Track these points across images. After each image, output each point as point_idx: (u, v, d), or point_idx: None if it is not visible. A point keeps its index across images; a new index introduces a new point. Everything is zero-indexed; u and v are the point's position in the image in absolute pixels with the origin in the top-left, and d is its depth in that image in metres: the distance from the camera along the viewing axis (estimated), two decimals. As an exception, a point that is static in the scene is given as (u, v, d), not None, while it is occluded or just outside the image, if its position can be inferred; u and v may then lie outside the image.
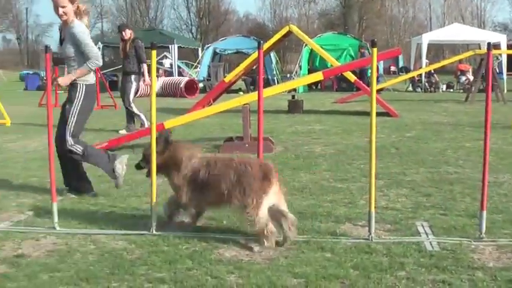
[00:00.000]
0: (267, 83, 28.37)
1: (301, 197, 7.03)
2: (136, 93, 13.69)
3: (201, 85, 28.25)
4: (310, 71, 28.15)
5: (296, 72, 31.70)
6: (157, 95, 5.44)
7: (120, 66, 15.06)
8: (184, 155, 5.59)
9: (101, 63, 7.25)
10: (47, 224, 5.93)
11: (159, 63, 33.96)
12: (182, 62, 35.79)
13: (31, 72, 40.30)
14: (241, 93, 26.13)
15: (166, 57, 34.29)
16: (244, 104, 10.42)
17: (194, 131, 12.78)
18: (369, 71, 28.56)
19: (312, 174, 8.39)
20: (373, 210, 5.35)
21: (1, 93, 16.99)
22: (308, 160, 9.42)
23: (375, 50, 5.42)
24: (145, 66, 13.68)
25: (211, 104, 14.13)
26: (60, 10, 6.94)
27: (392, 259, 4.84)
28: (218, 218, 6.03)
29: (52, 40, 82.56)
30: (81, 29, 7.04)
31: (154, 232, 5.54)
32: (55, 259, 4.98)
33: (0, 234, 5.72)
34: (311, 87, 30.02)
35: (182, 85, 25.78)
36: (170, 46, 32.04)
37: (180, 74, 32.40)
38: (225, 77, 21.10)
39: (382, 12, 70.48)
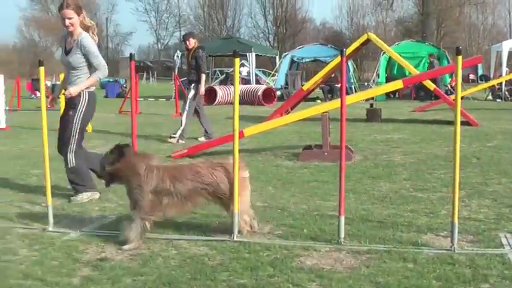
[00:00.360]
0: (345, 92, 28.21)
1: (381, 206, 6.96)
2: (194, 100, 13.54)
3: (278, 93, 28.30)
4: (387, 79, 27.90)
5: (373, 80, 31.48)
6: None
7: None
8: (142, 167, 5.67)
9: (107, 74, 7.57)
10: (129, 229, 6.03)
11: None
12: (259, 70, 35.96)
13: (111, 80, 41.03)
14: (318, 101, 26.06)
15: (243, 65, 34.48)
16: (324, 112, 10.39)
17: (273, 138, 12.82)
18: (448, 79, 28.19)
19: (392, 183, 8.31)
20: (456, 220, 5.26)
21: (83, 100, 17.30)
22: (387, 169, 9.34)
23: (460, 58, 5.34)
24: (203, 76, 13.45)
25: (289, 112, 14.16)
26: (67, 21, 7.25)
27: (476, 271, 4.74)
28: (298, 226, 6.04)
29: (131, 48, 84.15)
30: (90, 39, 7.38)
31: (235, 239, 5.57)
32: (138, 263, 5.06)
33: (84, 237, 5.85)
34: (389, 95, 29.73)
35: (260, 93, 25.88)
36: (248, 54, 32.20)
37: (257, 82, 32.55)
38: (302, 85, 21.09)
39: (461, 20, 69.34)
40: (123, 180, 5.78)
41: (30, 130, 16.07)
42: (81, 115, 7.47)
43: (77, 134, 7.48)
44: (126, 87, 34.18)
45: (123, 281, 4.67)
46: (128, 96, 22.68)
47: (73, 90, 7.37)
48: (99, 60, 7.38)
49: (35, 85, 36.03)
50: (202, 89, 13.39)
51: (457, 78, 5.34)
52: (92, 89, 7.59)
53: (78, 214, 6.80)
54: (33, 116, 20.88)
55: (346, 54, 14.83)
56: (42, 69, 6.21)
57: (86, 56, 7.34)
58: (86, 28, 7.51)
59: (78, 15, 7.32)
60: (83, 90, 7.40)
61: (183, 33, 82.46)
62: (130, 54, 5.91)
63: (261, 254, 5.19)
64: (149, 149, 11.54)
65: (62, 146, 7.49)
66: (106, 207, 7.11)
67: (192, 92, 13.38)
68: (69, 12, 7.23)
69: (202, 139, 13.20)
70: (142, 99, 28.67)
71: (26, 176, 9.00)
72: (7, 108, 18.48)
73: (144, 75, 56.89)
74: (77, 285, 4.63)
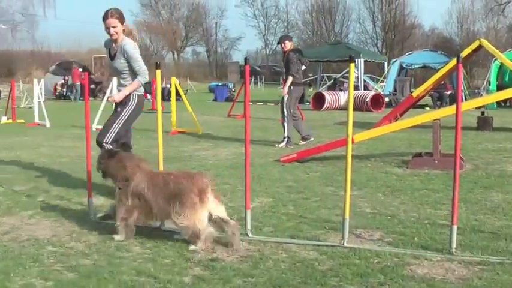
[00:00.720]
0: (454, 99, 27.75)
1: (493, 217, 6.78)
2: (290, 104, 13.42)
3: (387, 99, 28.03)
4: (499, 87, 27.20)
5: (484, 88, 30.75)
6: (343, 109, 5.51)
7: (305, 79, 15.14)
8: (127, 169, 5.92)
9: (147, 78, 7.82)
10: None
11: (346, 77, 34.04)
12: (367, 76, 35.72)
13: (220, 84, 41.59)
14: (427, 108, 25.67)
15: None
16: (435, 120, 10.23)
17: (381, 145, 12.70)
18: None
19: (505, 193, 8.08)
20: None
21: (192, 103, 17.61)
22: (500, 179, 9.09)
23: None
24: (289, 78, 13.33)
25: (398, 119, 14.00)
26: (112, 30, 7.59)
27: None
28: (409, 234, 5.97)
29: (240, 53, 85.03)
30: (133, 45, 7.67)
31: (345, 244, 5.55)
32: (248, 265, 5.11)
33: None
34: (500, 103, 28.97)
35: (368, 99, 25.69)
36: (356, 60, 32.05)
37: (365, 88, 32.34)
38: (411, 92, 20.81)
39: None
40: (112, 178, 6.14)
41: (142, 131, 16.44)
42: (128, 113, 7.78)
43: (117, 128, 7.73)
44: (234, 91, 34.54)
45: (234, 281, 4.73)
46: (237, 100, 22.95)
47: (117, 98, 7.74)
48: (140, 65, 7.67)
49: (146, 88, 36.89)
50: (285, 89, 13.39)
51: None
52: (141, 91, 7.90)
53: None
54: (145, 118, 21.39)
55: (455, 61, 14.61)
56: (158, 72, 6.36)
57: (128, 61, 7.66)
58: (128, 33, 7.80)
59: (122, 23, 7.67)
60: (132, 93, 7.73)
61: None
62: (245, 58, 5.95)
63: (371, 261, 5.15)
64: (257, 153, 11.64)
65: (101, 135, 7.74)
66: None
67: (286, 97, 13.35)
68: (114, 22, 7.59)
69: (302, 143, 13.18)
70: (250, 103, 28.77)
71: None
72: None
73: (252, 80, 57.39)
74: (188, 283, 4.72)
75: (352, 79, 5.65)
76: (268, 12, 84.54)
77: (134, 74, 7.71)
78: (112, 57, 7.82)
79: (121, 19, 7.65)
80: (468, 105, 12.16)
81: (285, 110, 13.28)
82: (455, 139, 5.44)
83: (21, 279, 4.88)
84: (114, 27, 7.59)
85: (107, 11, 7.63)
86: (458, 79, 5.53)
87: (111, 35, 7.67)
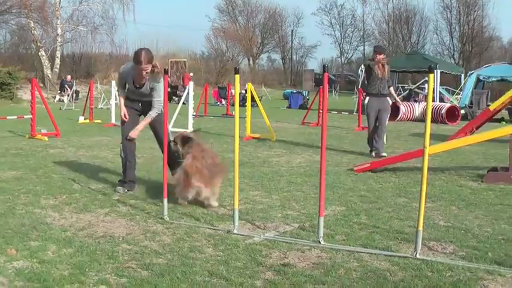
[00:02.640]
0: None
1: None
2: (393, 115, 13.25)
3: (462, 112, 27.61)
4: None
5: None
6: (418, 120, 5.46)
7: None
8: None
9: (160, 110, 8.48)
10: (311, 238, 6.14)
11: (421, 88, 33.71)
12: (443, 88, 35.25)
13: (294, 91, 41.62)
14: (504, 122, 25.20)
15: (427, 82, 33.91)
16: (512, 134, 10.07)
17: (456, 158, 12.53)
18: None
19: None
20: None
21: (266, 110, 17.69)
22: None
23: None
24: (390, 90, 13.39)
25: (473, 132, 13.82)
26: (144, 73, 8.26)
27: None
28: (483, 249, 5.89)
29: (315, 61, 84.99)
30: (162, 84, 8.31)
31: (417, 256, 5.52)
32: (320, 272, 5.14)
33: (267, 242, 6.01)
34: None
35: (443, 111, 25.35)
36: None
37: (441, 99, 31.91)
38: (488, 105, 20.50)
39: None
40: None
41: (216, 135, 16.62)
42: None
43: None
44: (308, 99, 34.53)
45: (305, 287, 4.76)
46: (311, 107, 22.96)
47: (134, 135, 8.69)
48: (158, 100, 8.45)
49: (221, 93, 37.24)
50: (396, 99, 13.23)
51: None
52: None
53: (262, 219, 6.98)
54: (219, 122, 21.62)
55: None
56: (237, 77, 6.44)
57: (151, 92, 8.42)
58: (154, 67, 8.36)
59: (151, 64, 8.28)
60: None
61: (367, 47, 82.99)
62: (324, 65, 6.00)
63: (443, 274, 5.11)
64: (330, 161, 11.63)
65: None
66: (289, 214, 7.25)
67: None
68: (146, 67, 8.21)
69: (384, 154, 13.01)
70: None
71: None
72: (194, 113, 19.18)
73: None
74: (260, 287, 4.77)
75: (431, 90, 5.61)
76: (345, 21, 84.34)
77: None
78: (138, 87, 8.52)
79: (151, 60, 8.26)
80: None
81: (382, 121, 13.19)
82: None
83: (96, 274, 5.01)
84: (146, 70, 8.23)
85: (139, 55, 8.17)
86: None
87: (143, 76, 8.32)
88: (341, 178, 9.85)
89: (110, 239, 6.09)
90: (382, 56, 13.28)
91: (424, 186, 5.54)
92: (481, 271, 5.22)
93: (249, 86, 15.79)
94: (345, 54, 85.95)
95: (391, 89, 13.56)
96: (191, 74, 38.02)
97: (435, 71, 31.14)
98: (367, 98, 13.20)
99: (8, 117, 17.79)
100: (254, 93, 17.25)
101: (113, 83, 21.40)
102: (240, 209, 7.06)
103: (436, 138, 15.28)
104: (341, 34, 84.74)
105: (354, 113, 26.59)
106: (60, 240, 6.00)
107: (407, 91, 34.22)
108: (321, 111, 21.81)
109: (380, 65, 13.09)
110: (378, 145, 13.08)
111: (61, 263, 5.28)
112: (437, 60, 37.00)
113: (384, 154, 12.71)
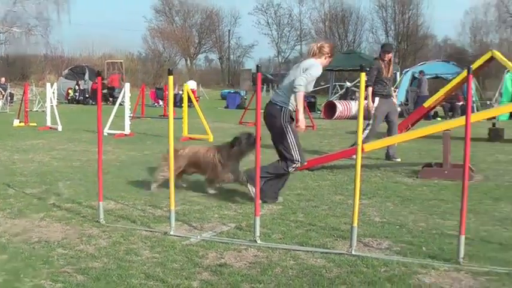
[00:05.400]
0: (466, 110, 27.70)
1: (502, 228, 6.78)
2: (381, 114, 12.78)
3: (398, 109, 27.97)
4: (512, 99, 27.13)
5: (496, 99, 30.67)
6: (355, 118, 5.53)
7: (317, 88, 14.93)
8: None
9: None
10: (248, 237, 6.14)
11: (358, 86, 34.02)
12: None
13: (232, 91, 41.62)
14: (439, 119, 25.65)
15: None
16: (445, 130, 10.24)
17: (391, 155, 12.68)
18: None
19: (515, 205, 8.10)
20: None
21: (203, 110, 17.66)
22: (510, 190, 9.06)
23: None
24: (368, 90, 12.55)
25: (409, 129, 14.01)
26: None
27: None
28: (417, 243, 5.98)
29: (252, 61, 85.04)
30: None
31: (353, 253, 5.58)
32: (256, 271, 5.14)
33: (204, 243, 6.00)
34: (512, 115, 28.93)
35: (379, 109, 25.67)
36: (369, 69, 31.96)
37: (377, 97, 32.27)
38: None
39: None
40: None
41: (154, 137, 16.53)
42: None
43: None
44: (246, 99, 34.57)
45: (242, 287, 4.77)
46: (249, 107, 22.98)
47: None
48: None
49: (158, 94, 37.01)
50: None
51: None
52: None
53: (198, 220, 6.96)
54: (156, 124, 21.49)
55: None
56: (171, 78, 6.41)
57: None
58: None
59: None
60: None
61: (304, 47, 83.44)
62: (257, 66, 6.00)
63: (378, 269, 5.18)
64: (268, 161, 11.63)
65: None
66: (226, 214, 7.25)
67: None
68: None
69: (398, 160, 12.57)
70: (262, 111, 28.77)
71: (150, 180, 9.23)
72: (131, 115, 19.03)
73: (265, 88, 57.40)
74: (196, 288, 4.76)
75: (363, 89, 5.67)
76: (282, 21, 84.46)
77: None
78: None
79: None
80: (479, 116, 12.16)
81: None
82: (465, 150, 5.47)
83: (31, 280, 4.94)
84: None
85: None
86: (468, 90, 5.55)
87: None
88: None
89: (45, 244, 6.00)
90: (390, 55, 12.89)
91: (358, 183, 5.60)
92: (415, 265, 5.30)
93: (186, 87, 15.75)
94: (282, 54, 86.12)
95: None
96: (120, 74, 37.46)
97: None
98: (376, 99, 12.57)
99: None
100: (190, 94, 17.21)
101: (48, 85, 21.07)
102: (177, 210, 7.03)
103: (376, 135, 15.45)
104: (278, 34, 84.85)
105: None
106: (-6, 246, 5.90)
107: (345, 89, 34.51)
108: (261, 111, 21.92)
109: (387, 64, 12.75)
110: (392, 149, 12.54)
111: (-6, 269, 5.19)
112: (373, 59, 37.35)
113: (398, 159, 12.37)
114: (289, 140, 7.83)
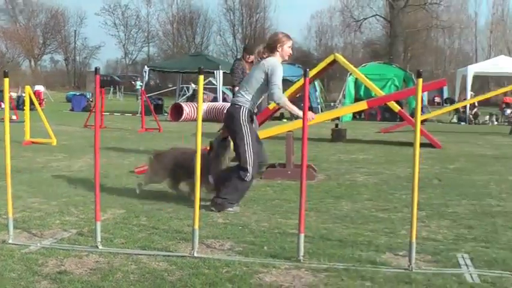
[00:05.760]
0: (311, 111, 28.47)
1: (342, 225, 7.01)
2: None
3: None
4: (355, 101, 28.11)
5: (340, 101, 31.69)
6: (202, 120, 5.50)
7: (165, 90, 14.95)
8: None
9: None
10: (89, 243, 6.01)
11: (205, 88, 34.20)
12: (227, 88, 35.99)
13: (77, 93, 40.86)
14: (284, 120, 26.17)
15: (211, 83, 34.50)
16: (288, 131, 10.45)
17: (237, 156, 12.78)
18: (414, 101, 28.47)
19: (354, 203, 8.36)
20: (414, 240, 5.32)
21: (48, 113, 17.24)
22: (350, 189, 9.40)
23: (420, 80, 5.42)
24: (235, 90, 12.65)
25: (254, 130, 14.17)
26: None
27: (432, 290, 4.81)
28: (259, 243, 6.06)
29: (99, 62, 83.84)
30: None
31: (195, 255, 5.57)
32: (97, 277, 5.04)
33: (44, 251, 5.80)
34: (355, 116, 29.98)
35: (226, 111, 25.89)
36: (215, 72, 32.18)
37: (224, 99, 32.55)
38: (269, 103, 21.12)
39: (428, 43, 70.28)
40: None
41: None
42: None
43: None
44: (92, 101, 34.02)
45: (81, 294, 4.67)
46: (93, 110, 22.60)
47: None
48: None
49: (-1, 96, 35.73)
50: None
51: (417, 100, 5.42)
52: None
53: (39, 227, 6.75)
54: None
55: (312, 74, 15.01)
56: (7, 80, 6.19)
57: None
58: None
59: None
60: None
61: (151, 49, 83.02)
62: (95, 68, 5.88)
63: (220, 270, 5.19)
64: (113, 164, 11.53)
65: None
66: (67, 220, 7.06)
67: None
68: None
69: None
70: (108, 113, 28.56)
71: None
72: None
73: (111, 90, 56.70)
74: (34, 297, 4.62)
75: (201, 91, 5.68)
76: (129, 22, 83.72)
77: None
78: None
79: None
80: (322, 117, 12.50)
81: None
82: (302, 150, 5.58)
83: None
84: None
85: None
86: (305, 92, 5.67)
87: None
88: (122, 180, 9.78)
89: None
90: (253, 57, 12.56)
91: (198, 184, 5.60)
92: (256, 265, 5.36)
93: (27, 90, 15.29)
94: (130, 55, 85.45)
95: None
96: None
97: (218, 71, 31.72)
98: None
99: None
100: (33, 96, 16.72)
101: None
102: (16, 217, 6.79)
103: (219, 137, 15.55)
104: (125, 35, 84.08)
105: (138, 115, 26.42)
106: None
107: (191, 92, 34.62)
108: (103, 113, 21.63)
109: (250, 65, 12.51)
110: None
111: None
112: (220, 61, 37.72)
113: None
114: (245, 142, 7.70)
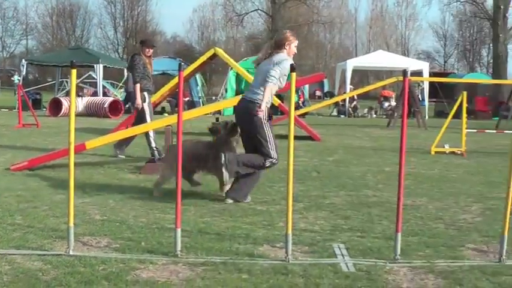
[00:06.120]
0: (192, 105, 28.47)
1: (220, 218, 7.05)
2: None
3: (127, 106, 28.05)
4: (237, 94, 28.25)
5: (222, 94, 31.81)
6: (81, 115, 5.43)
7: (44, 84, 14.63)
8: None
9: None
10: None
11: (85, 82, 33.70)
12: (107, 82, 35.53)
13: None
14: (165, 114, 26.07)
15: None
16: (167, 125, 10.41)
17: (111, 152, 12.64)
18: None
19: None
20: (290, 232, 5.41)
21: None
22: (229, 183, 9.45)
23: (294, 74, 5.52)
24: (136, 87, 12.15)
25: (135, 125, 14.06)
26: None
27: (308, 280, 4.90)
28: (136, 239, 6.02)
29: None
30: None
31: (70, 253, 5.48)
32: (-33, 279, 4.89)
33: None
34: (236, 110, 30.10)
35: (106, 105, 25.59)
36: (95, 65, 31.64)
37: (104, 94, 32.09)
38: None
39: (309, 38, 71.39)
40: None
41: None
42: None
43: None
44: None
45: None
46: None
47: None
48: None
49: None
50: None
51: (291, 93, 5.49)
52: None
53: None
54: None
55: (192, 68, 15.04)
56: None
57: None
58: None
59: None
60: None
61: (30, 41, 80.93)
62: None
63: (96, 268, 5.12)
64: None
65: None
66: None
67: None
68: None
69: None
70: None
71: None
72: None
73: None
74: None
75: (74, 85, 5.59)
76: (7, 14, 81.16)
77: None
78: None
79: None
80: (200, 111, 12.53)
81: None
82: (177, 144, 5.58)
83: None
84: None
85: None
86: (179, 86, 5.67)
87: None
88: (-3, 178, 9.50)
89: None
90: (151, 51, 12.60)
91: (72, 181, 5.51)
92: (133, 261, 5.32)
93: None
94: (7, 48, 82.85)
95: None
96: None
97: (98, 65, 31.25)
98: (146, 94, 12.31)
99: None
100: None
101: None
102: None
103: (98, 132, 15.38)
104: (2, 27, 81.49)
105: (15, 110, 25.68)
106: None
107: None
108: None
109: (149, 59, 12.43)
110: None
111: None
112: (100, 55, 37.12)
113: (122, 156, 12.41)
114: (267, 137, 7.85)
